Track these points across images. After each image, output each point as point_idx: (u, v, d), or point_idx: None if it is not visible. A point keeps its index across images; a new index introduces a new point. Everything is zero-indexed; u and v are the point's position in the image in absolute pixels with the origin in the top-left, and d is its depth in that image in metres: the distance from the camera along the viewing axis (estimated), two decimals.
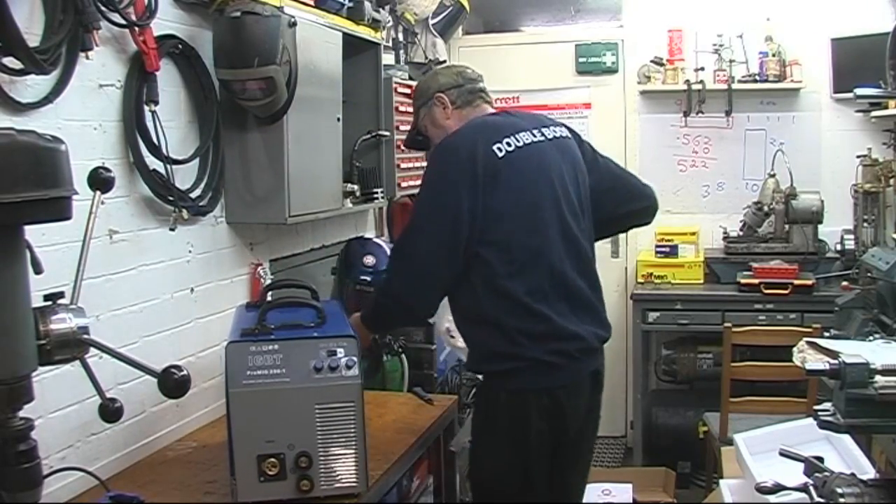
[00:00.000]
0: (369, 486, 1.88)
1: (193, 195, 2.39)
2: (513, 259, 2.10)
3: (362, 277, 2.74)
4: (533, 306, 2.12)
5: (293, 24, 2.41)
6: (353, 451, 1.83)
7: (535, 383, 2.14)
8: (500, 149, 2.14)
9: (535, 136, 2.22)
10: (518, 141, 2.18)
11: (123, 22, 2.04)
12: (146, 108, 2.17)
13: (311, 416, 1.80)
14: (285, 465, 1.78)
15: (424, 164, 3.70)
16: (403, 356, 2.85)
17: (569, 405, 2.19)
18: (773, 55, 4.32)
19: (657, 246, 4.41)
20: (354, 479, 1.84)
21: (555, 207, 2.18)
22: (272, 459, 1.78)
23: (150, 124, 2.18)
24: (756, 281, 3.98)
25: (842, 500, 1.38)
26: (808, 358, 1.52)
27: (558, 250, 2.17)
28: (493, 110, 2.38)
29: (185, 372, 1.41)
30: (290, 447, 1.79)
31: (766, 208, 4.23)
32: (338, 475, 1.83)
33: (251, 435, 1.78)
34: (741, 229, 4.33)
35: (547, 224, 2.17)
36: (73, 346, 1.38)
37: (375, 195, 3.16)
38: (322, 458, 1.81)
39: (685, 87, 4.42)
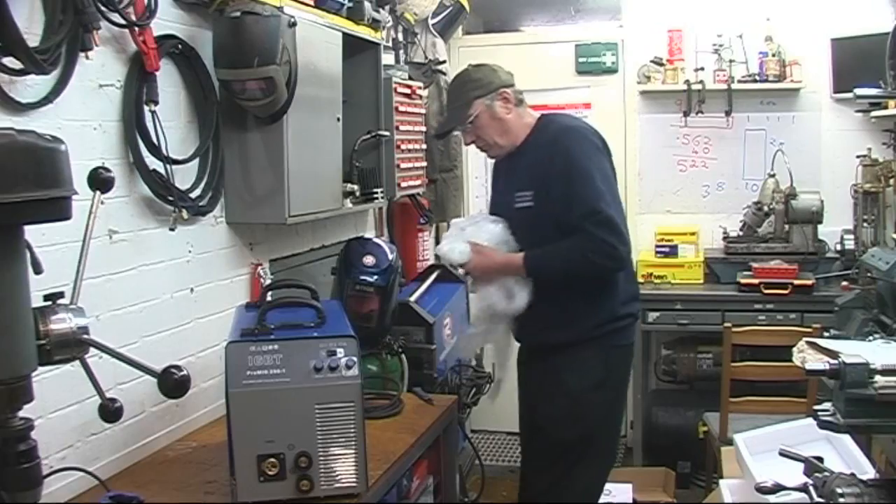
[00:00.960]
0: (369, 486, 1.88)
1: (193, 195, 2.39)
2: (622, 230, 2.43)
3: (362, 278, 2.74)
4: (632, 270, 2.63)
5: (293, 24, 2.41)
6: (352, 451, 1.83)
7: (630, 338, 2.62)
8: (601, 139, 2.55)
9: None
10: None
11: (123, 22, 2.04)
12: (146, 108, 2.17)
13: (311, 416, 1.80)
14: (285, 465, 1.79)
15: (425, 164, 3.72)
16: (403, 356, 2.85)
17: None
18: (773, 55, 4.31)
19: (657, 246, 4.42)
20: (354, 479, 1.84)
21: None
22: (272, 459, 1.78)
23: (149, 124, 2.18)
24: (756, 281, 3.98)
25: (842, 500, 1.38)
26: (808, 358, 1.52)
27: None
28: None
29: (185, 372, 1.41)
30: (290, 447, 1.79)
31: (766, 208, 4.23)
32: (338, 475, 1.83)
33: (251, 435, 1.78)
34: (741, 229, 4.33)
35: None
36: (73, 346, 1.38)
37: (375, 195, 3.16)
38: (322, 458, 1.81)
39: (685, 87, 4.42)
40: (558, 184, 2.43)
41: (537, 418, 2.63)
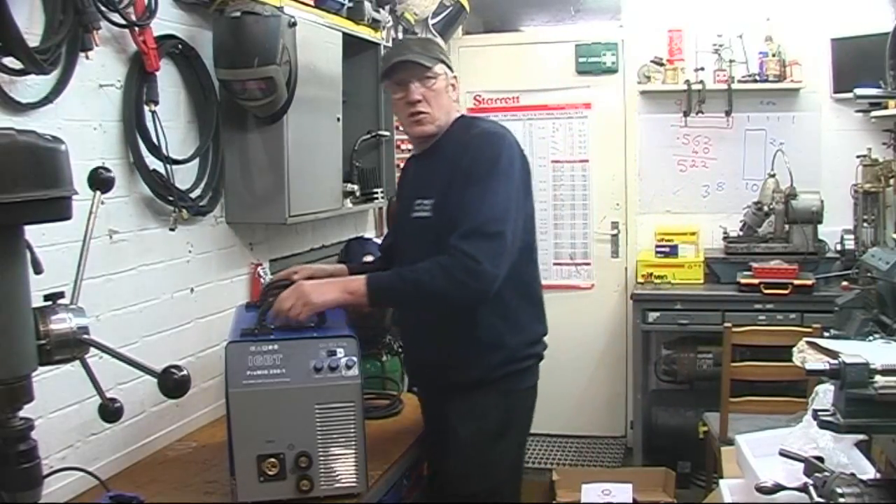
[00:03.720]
0: (369, 486, 1.88)
1: (193, 195, 2.39)
2: (530, 260, 2.23)
3: None
4: (541, 308, 2.30)
5: (293, 24, 2.41)
6: (353, 451, 1.83)
7: (534, 379, 2.29)
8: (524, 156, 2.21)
9: None
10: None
11: (123, 22, 2.04)
12: (146, 108, 2.17)
13: (311, 416, 1.80)
14: (285, 465, 1.79)
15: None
16: (403, 356, 2.85)
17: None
18: (773, 55, 4.31)
19: (657, 246, 4.41)
20: (354, 480, 1.84)
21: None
22: (272, 459, 1.78)
23: (150, 124, 2.18)
24: (756, 281, 3.97)
25: (842, 500, 1.38)
26: (808, 358, 1.52)
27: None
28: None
29: (185, 372, 1.41)
30: (290, 447, 1.79)
31: (766, 208, 4.23)
32: (338, 475, 1.83)
33: (251, 435, 1.78)
34: (741, 229, 4.33)
35: (534, 223, 2.29)
36: (73, 346, 1.38)
37: (375, 195, 3.16)
38: (322, 458, 1.81)
39: (685, 87, 4.42)
40: (458, 193, 2.08)
41: (440, 473, 2.29)
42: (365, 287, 2.01)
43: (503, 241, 2.00)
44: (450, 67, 2.26)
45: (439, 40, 4.17)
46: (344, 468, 1.83)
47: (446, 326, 2.16)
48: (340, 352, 1.86)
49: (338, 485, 1.83)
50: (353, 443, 1.83)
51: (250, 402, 1.78)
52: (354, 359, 1.85)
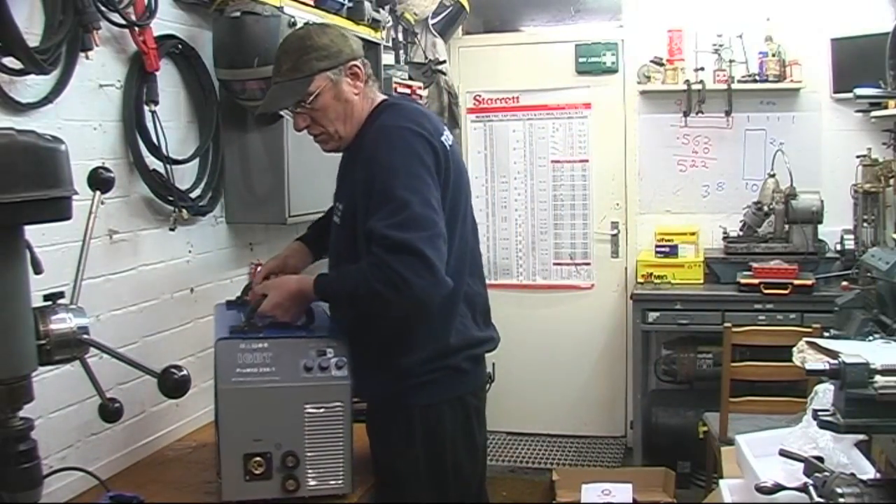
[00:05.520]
0: (355, 488, 1.87)
1: (193, 195, 2.39)
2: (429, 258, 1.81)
3: None
4: (451, 321, 1.99)
5: (293, 24, 2.41)
6: (340, 453, 1.82)
7: (449, 391, 2.01)
8: (445, 141, 1.96)
9: (450, 135, 2.05)
10: (448, 138, 2.00)
11: (123, 22, 2.04)
12: (146, 108, 2.17)
13: (300, 415, 1.79)
14: (272, 464, 1.78)
15: None
16: None
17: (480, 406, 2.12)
18: (773, 55, 4.31)
19: (657, 246, 4.41)
20: (341, 481, 1.83)
21: (469, 212, 2.09)
22: (258, 458, 1.77)
23: (149, 124, 2.18)
24: (756, 281, 3.97)
25: (842, 500, 1.38)
26: (808, 358, 1.52)
27: (470, 258, 2.07)
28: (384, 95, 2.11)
29: (185, 372, 1.41)
30: (278, 446, 1.78)
31: (765, 208, 4.23)
32: (324, 476, 1.82)
33: (239, 433, 1.77)
34: (741, 229, 4.33)
35: (466, 229, 2.05)
36: (73, 346, 1.38)
37: None
38: (309, 458, 1.80)
39: (685, 87, 4.41)
40: (361, 209, 1.89)
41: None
42: (313, 286, 1.90)
43: (416, 249, 1.76)
44: (338, 63, 1.94)
45: (439, 41, 4.16)
46: (331, 469, 1.82)
47: (359, 330, 1.98)
48: (330, 352, 1.85)
49: (324, 485, 1.82)
50: (340, 443, 1.82)
51: (239, 400, 1.77)
52: (344, 359, 1.85)
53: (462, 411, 2.03)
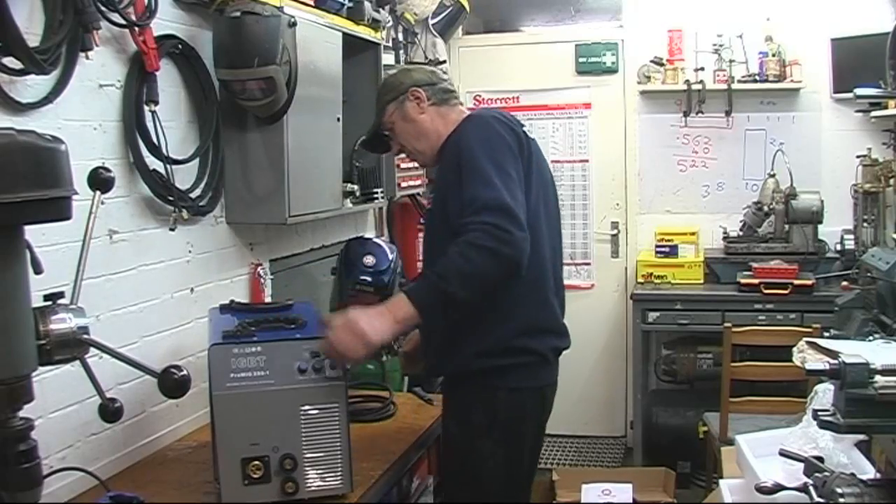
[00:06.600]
0: (354, 487, 1.87)
1: (193, 195, 2.39)
2: (532, 243, 1.95)
3: (362, 278, 2.73)
4: (543, 297, 2.13)
5: (293, 24, 2.41)
6: (338, 453, 1.82)
7: (534, 380, 2.15)
8: (526, 132, 2.14)
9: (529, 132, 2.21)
10: (530, 133, 2.18)
11: (123, 22, 2.04)
12: (146, 108, 2.17)
13: (296, 417, 1.79)
14: (270, 467, 1.77)
15: None
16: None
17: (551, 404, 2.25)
18: (773, 55, 4.32)
19: (657, 246, 4.42)
20: (340, 481, 1.83)
21: (552, 202, 2.25)
22: (256, 462, 1.76)
23: (149, 124, 2.18)
24: (756, 281, 3.98)
25: (842, 500, 1.38)
26: (808, 358, 1.52)
27: (553, 245, 2.21)
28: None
29: (185, 372, 1.41)
30: (275, 449, 1.77)
31: (766, 208, 4.23)
32: (323, 477, 1.81)
33: (235, 438, 1.76)
34: (741, 229, 4.33)
35: (551, 218, 2.21)
36: (73, 346, 1.38)
37: (375, 195, 3.15)
38: (307, 459, 1.80)
39: (685, 87, 4.42)
40: (452, 191, 2.02)
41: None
42: (412, 307, 1.87)
43: (513, 210, 1.89)
44: (400, 93, 2.20)
45: (439, 41, 4.17)
46: (329, 470, 1.82)
47: None
48: None
49: (323, 486, 1.82)
50: (338, 444, 1.82)
51: (234, 405, 1.76)
52: None
53: (541, 402, 2.19)
